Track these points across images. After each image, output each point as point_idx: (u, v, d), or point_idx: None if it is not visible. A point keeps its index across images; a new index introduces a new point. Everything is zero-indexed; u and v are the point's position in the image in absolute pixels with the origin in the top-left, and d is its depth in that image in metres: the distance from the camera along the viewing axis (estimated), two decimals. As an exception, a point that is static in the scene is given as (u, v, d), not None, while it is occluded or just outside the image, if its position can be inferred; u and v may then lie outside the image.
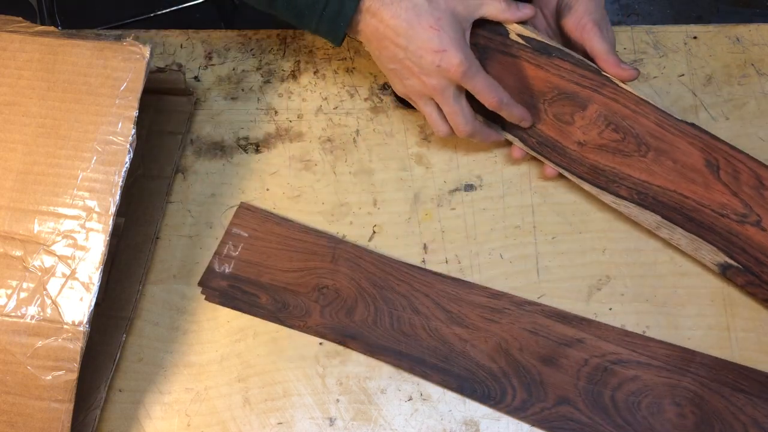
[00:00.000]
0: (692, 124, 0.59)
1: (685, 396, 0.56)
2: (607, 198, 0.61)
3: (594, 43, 0.59)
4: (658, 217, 0.60)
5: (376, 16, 0.56)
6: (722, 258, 0.58)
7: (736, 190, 0.58)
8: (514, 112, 0.60)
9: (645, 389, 0.56)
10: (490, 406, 0.57)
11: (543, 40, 0.61)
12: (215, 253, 0.64)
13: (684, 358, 0.57)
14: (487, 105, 0.59)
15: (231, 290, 0.62)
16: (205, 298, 0.62)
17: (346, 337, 0.60)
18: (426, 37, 0.55)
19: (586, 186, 0.61)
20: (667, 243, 0.61)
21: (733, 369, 0.57)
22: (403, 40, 0.56)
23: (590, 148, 0.61)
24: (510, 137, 0.64)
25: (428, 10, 0.55)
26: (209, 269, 0.63)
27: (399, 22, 0.55)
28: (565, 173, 0.62)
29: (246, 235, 0.64)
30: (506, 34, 0.62)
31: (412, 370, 0.59)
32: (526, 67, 0.62)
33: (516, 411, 0.57)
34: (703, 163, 0.58)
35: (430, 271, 0.62)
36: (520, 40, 0.61)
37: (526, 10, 0.60)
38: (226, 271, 0.63)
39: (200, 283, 0.63)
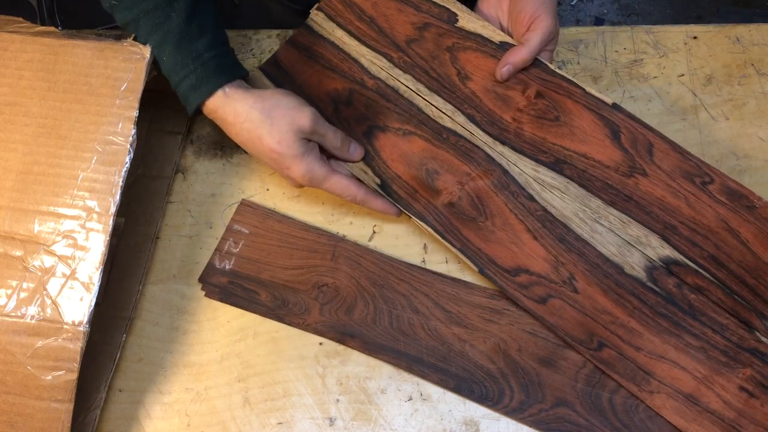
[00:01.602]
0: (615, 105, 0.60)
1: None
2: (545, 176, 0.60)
3: (533, 36, 0.59)
4: (590, 196, 0.59)
5: (222, 126, 0.59)
6: (654, 242, 0.57)
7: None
8: (375, 206, 0.61)
9: (644, 390, 0.56)
10: (488, 406, 0.57)
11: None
12: (216, 249, 0.64)
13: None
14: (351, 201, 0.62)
15: (231, 287, 0.62)
16: (206, 294, 0.63)
17: (344, 335, 0.60)
18: (268, 158, 0.58)
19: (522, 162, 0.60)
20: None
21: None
22: (251, 152, 0.59)
23: (525, 121, 0.61)
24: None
25: (269, 133, 0.56)
26: (210, 265, 0.63)
27: (241, 140, 0.58)
28: (506, 148, 0.61)
29: (247, 231, 0.64)
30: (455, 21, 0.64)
31: (410, 369, 0.59)
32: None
33: (513, 412, 0.57)
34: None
35: (430, 271, 0.62)
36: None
37: (356, 153, 0.62)
38: (227, 267, 0.63)
39: (200, 279, 0.63)
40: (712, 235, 0.56)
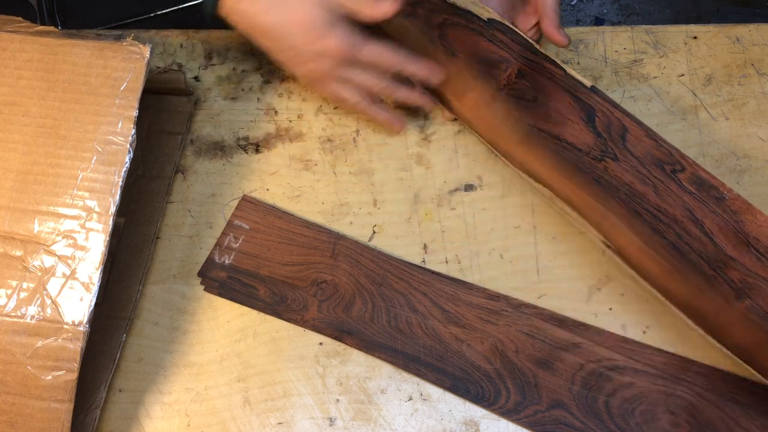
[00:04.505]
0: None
1: (680, 405, 0.56)
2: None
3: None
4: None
5: (243, 16, 0.56)
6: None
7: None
8: (419, 69, 0.60)
9: (640, 396, 0.56)
10: (484, 407, 0.57)
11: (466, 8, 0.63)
12: (216, 244, 0.64)
13: (681, 367, 0.57)
14: (389, 71, 0.59)
15: (230, 281, 0.63)
16: (204, 289, 0.63)
17: (342, 332, 0.60)
18: (300, 32, 0.55)
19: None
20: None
21: (730, 379, 0.56)
22: (278, 34, 0.56)
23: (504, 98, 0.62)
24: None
25: (301, 2, 0.54)
26: (209, 260, 0.63)
27: (265, 22, 0.55)
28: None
29: (247, 227, 0.64)
30: None
31: (406, 368, 0.59)
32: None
33: (509, 413, 0.57)
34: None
35: (429, 270, 0.62)
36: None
37: (385, 8, 0.57)
38: (226, 262, 0.63)
39: (200, 273, 0.63)
40: (675, 224, 0.56)
